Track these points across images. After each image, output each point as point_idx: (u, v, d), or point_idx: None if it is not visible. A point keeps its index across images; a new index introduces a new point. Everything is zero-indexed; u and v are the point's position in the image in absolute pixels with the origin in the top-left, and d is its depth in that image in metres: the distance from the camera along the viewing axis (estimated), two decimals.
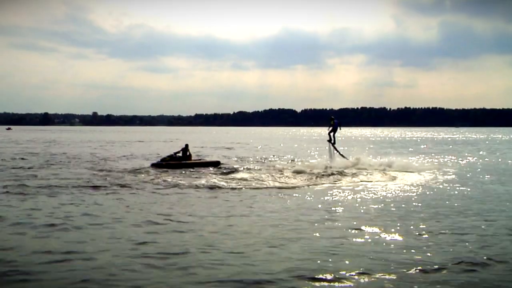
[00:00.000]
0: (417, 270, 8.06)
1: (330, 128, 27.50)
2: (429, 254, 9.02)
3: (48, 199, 15.30)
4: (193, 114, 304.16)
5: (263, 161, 30.92)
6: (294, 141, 71.88)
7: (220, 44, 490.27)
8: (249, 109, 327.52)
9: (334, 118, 27.93)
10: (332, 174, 22.45)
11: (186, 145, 27.49)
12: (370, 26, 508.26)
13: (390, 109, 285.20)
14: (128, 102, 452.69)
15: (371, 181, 20.22)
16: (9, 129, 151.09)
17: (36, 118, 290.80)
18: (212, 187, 18.19)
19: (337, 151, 27.73)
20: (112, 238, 10.22)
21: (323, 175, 22.11)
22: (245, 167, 26.10)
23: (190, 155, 27.11)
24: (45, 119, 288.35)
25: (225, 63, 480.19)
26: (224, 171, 24.10)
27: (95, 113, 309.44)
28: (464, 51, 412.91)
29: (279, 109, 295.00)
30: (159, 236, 10.42)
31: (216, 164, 26.82)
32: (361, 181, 20.41)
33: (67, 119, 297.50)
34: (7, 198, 15.30)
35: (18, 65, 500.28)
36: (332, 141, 27.55)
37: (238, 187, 18.50)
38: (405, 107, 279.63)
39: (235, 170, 24.19)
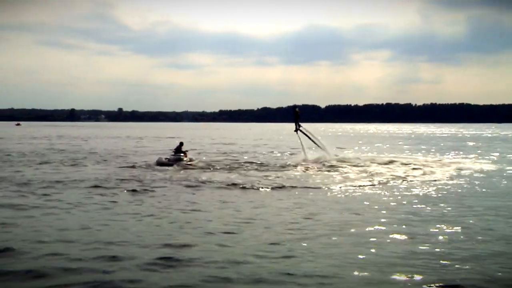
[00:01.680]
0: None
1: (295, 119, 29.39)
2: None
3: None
4: (217, 110, 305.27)
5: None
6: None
7: (244, 40, 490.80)
8: (273, 105, 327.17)
9: (297, 108, 30.05)
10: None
11: (181, 143, 27.49)
12: (395, 21, 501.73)
13: (415, 105, 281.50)
14: (152, 98, 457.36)
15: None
16: (18, 124, 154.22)
17: (63, 114, 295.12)
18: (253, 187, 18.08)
19: (307, 135, 29.29)
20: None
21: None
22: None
23: (184, 153, 26.93)
24: (72, 115, 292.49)
25: (249, 59, 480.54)
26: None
27: (120, 109, 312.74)
28: (491, 45, 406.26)
29: (303, 105, 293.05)
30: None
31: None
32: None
33: (93, 115, 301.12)
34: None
35: (45, 62, 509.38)
36: (298, 128, 28.99)
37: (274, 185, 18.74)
38: (431, 103, 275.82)
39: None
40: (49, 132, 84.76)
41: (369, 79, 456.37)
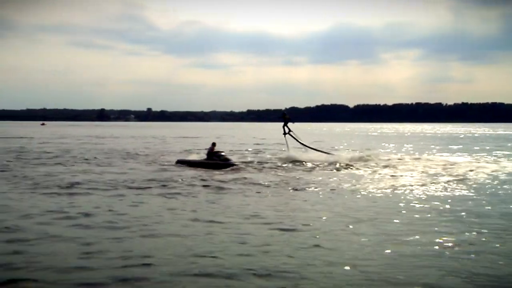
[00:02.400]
0: None
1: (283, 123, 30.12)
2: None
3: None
4: (245, 110, 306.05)
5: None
6: (359, 138, 71.25)
7: (272, 40, 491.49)
8: (301, 104, 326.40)
9: (286, 114, 30.78)
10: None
11: (213, 144, 26.02)
12: (425, 19, 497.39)
13: (446, 104, 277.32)
14: (181, 98, 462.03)
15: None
16: (43, 124, 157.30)
17: (93, 114, 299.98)
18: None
19: (295, 138, 30.17)
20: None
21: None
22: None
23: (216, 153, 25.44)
24: (102, 115, 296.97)
25: (277, 59, 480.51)
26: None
27: (149, 109, 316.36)
28: None
29: (331, 104, 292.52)
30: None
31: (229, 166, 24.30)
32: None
33: (122, 115, 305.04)
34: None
35: (76, 62, 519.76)
36: (287, 132, 29.90)
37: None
38: (462, 103, 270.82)
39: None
40: (90, 132, 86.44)
41: (399, 78, 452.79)
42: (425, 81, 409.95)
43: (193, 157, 27.63)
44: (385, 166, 24.80)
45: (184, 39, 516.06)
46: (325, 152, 29.50)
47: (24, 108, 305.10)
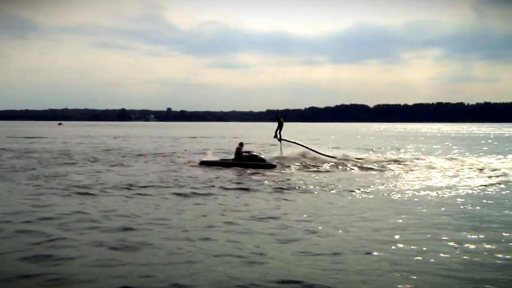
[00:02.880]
0: None
1: (277, 126, 28.90)
2: None
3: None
4: (264, 110, 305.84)
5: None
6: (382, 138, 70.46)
7: (292, 40, 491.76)
8: (321, 104, 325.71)
9: (281, 117, 29.20)
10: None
11: (241, 144, 25.33)
12: (447, 17, 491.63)
13: (468, 104, 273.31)
14: (200, 98, 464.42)
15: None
16: (60, 124, 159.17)
17: (114, 114, 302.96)
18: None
19: (291, 141, 29.22)
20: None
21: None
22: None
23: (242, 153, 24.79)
24: (122, 115, 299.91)
25: (296, 59, 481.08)
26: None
27: (169, 109, 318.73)
28: None
29: (351, 104, 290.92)
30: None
31: (271, 167, 23.55)
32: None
33: (142, 115, 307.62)
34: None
35: (97, 63, 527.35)
36: (279, 138, 28.72)
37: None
38: (485, 102, 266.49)
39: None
40: (116, 132, 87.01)
41: (419, 78, 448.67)
42: (446, 80, 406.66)
43: (209, 157, 26.74)
44: (429, 168, 23.92)
45: (203, 39, 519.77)
46: (326, 155, 27.86)
47: (46, 108, 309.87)
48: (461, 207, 13.45)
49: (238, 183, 18.20)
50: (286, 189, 16.71)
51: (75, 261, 8.37)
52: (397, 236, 10.03)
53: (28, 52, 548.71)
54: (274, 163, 24.18)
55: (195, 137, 65.50)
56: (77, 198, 14.63)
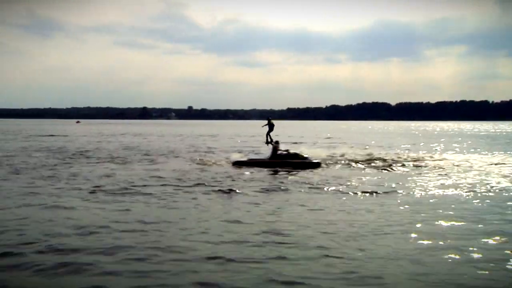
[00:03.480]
0: None
1: (267, 129, 27.83)
2: None
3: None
4: (285, 108, 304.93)
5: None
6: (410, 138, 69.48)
7: (313, 38, 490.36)
8: (342, 102, 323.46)
9: (271, 119, 28.11)
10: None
11: (276, 142, 24.55)
12: (471, 14, 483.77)
13: (493, 102, 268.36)
14: (221, 96, 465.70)
15: None
16: (78, 122, 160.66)
17: (135, 112, 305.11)
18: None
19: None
20: None
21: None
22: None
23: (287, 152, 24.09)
24: (144, 113, 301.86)
25: (318, 57, 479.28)
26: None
27: (190, 107, 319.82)
28: None
29: (372, 102, 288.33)
30: None
31: (315, 165, 22.75)
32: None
33: (164, 113, 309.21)
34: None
35: (119, 62, 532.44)
36: (269, 141, 27.29)
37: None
38: (510, 100, 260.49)
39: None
40: (146, 130, 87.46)
41: (442, 75, 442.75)
42: (470, 78, 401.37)
43: (237, 156, 26.01)
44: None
45: (224, 38, 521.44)
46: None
47: (69, 106, 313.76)
48: None
49: (299, 183, 17.61)
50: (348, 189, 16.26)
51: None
52: None
53: (52, 51, 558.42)
54: (318, 161, 23.42)
55: (215, 135, 65.54)
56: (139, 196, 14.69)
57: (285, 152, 23.71)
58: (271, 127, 27.91)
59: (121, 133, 71.30)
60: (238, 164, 23.18)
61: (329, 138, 58.19)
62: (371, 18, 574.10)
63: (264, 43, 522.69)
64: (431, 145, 43.29)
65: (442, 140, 53.96)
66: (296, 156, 23.51)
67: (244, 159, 24.64)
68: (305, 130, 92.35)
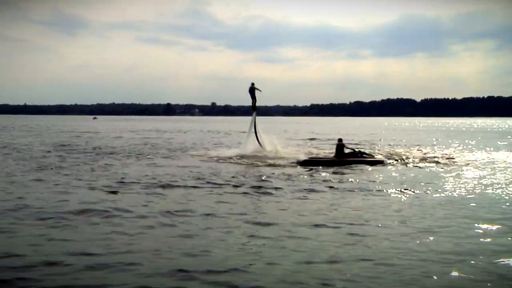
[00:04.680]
0: None
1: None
2: None
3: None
4: (308, 104, 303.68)
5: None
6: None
7: (336, 33, 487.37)
8: (366, 99, 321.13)
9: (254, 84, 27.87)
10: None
11: (339, 140, 23.78)
12: (500, 7, 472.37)
13: None
14: (244, 93, 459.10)
15: None
16: (95, 118, 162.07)
17: (159, 108, 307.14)
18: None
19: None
20: None
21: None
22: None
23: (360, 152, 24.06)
24: (168, 109, 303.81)
25: (341, 52, 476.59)
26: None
27: (213, 104, 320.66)
28: None
29: (397, 98, 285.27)
30: None
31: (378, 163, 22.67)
32: None
33: (187, 110, 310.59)
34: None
35: (143, 58, 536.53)
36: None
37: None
38: None
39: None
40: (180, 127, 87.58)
41: (469, 71, 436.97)
42: (499, 74, 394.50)
43: (302, 156, 25.11)
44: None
45: (248, 34, 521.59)
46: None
47: (94, 103, 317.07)
48: None
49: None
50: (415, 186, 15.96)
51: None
52: None
53: (77, 48, 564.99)
54: (382, 159, 23.65)
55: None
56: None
57: (351, 151, 23.66)
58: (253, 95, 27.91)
59: (164, 130, 70.86)
60: (305, 164, 22.35)
61: (372, 134, 57.96)
62: (396, 12, 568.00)
63: (288, 39, 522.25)
64: (484, 144, 42.10)
65: (489, 138, 52.76)
66: (364, 154, 23.70)
67: (306, 158, 23.85)
68: (336, 127, 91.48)
